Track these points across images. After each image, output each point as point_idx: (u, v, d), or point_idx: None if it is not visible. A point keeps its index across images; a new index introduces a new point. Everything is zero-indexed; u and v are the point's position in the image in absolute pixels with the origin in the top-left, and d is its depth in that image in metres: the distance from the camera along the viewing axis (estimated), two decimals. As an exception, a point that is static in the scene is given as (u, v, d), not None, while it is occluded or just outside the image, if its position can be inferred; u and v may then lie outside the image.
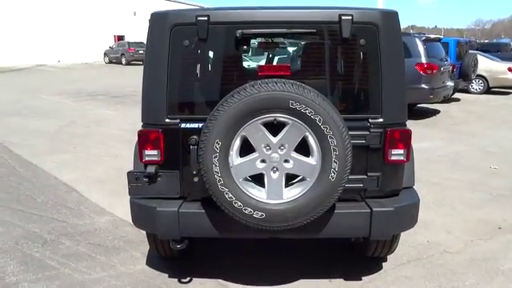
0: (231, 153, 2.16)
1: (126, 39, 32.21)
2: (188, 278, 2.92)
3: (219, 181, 2.17)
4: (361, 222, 2.39)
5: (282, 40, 2.50)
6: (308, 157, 2.18)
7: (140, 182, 2.49)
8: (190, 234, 2.48)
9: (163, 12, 2.40)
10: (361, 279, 2.93)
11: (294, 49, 2.49)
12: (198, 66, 2.48)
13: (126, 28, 34.47)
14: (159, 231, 2.45)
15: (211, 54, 2.49)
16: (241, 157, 2.20)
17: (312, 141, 2.14)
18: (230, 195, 2.18)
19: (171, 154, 2.45)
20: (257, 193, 2.22)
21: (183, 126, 2.41)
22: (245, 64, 2.57)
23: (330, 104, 2.11)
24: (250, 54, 2.49)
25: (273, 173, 2.20)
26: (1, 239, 3.43)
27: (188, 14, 2.36)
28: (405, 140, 2.40)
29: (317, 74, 2.45)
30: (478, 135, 7.51)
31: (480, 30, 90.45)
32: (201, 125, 2.37)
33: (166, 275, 2.96)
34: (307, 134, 2.13)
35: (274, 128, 2.16)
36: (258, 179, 2.24)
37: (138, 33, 34.21)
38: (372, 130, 2.36)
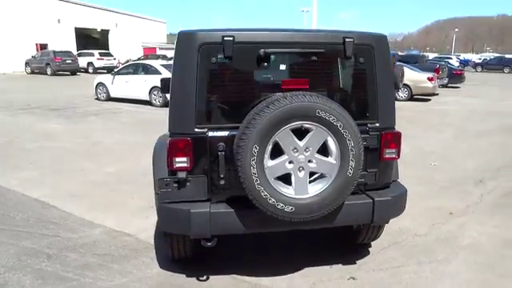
0: (265, 156, 2.48)
1: (50, 48, 30.38)
2: (205, 277, 3.14)
3: (256, 181, 2.47)
4: (365, 211, 2.83)
5: (296, 58, 2.88)
6: (328, 157, 2.58)
7: (170, 188, 2.70)
8: (219, 232, 2.73)
9: (191, 32, 2.66)
10: (355, 263, 3.38)
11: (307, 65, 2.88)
12: (224, 80, 2.76)
13: (50, 36, 32.48)
14: (193, 231, 2.67)
15: (235, 69, 2.78)
16: (272, 159, 2.52)
17: (332, 143, 2.53)
18: (265, 193, 2.49)
19: (199, 160, 2.69)
20: (286, 190, 2.56)
21: (210, 134, 2.67)
22: (264, 78, 2.90)
23: (346, 112, 2.53)
24: (268, 69, 2.81)
25: (299, 172, 2.56)
26: (0, 257, 3.35)
27: (215, 34, 2.64)
28: (396, 141, 2.90)
29: (324, 86, 2.86)
30: (414, 137, 8.50)
31: (393, 43, 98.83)
32: (226, 133, 2.67)
33: (184, 275, 3.15)
34: (328, 137, 2.52)
35: (299, 133, 2.52)
36: (285, 178, 2.58)
37: (63, 41, 32.49)
38: (371, 133, 2.82)
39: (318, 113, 2.45)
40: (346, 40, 2.73)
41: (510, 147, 7.71)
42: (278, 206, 2.52)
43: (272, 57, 2.68)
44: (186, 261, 3.28)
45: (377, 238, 3.54)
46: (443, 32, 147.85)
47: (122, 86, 13.82)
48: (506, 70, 35.83)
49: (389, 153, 2.89)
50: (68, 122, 10.18)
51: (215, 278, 3.14)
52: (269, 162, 2.50)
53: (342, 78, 2.94)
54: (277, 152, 2.53)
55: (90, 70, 29.67)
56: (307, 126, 2.49)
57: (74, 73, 27.82)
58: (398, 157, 2.95)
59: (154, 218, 4.23)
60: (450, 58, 28.20)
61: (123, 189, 5.21)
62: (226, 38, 2.60)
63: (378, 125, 2.86)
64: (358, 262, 3.40)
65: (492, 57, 45.84)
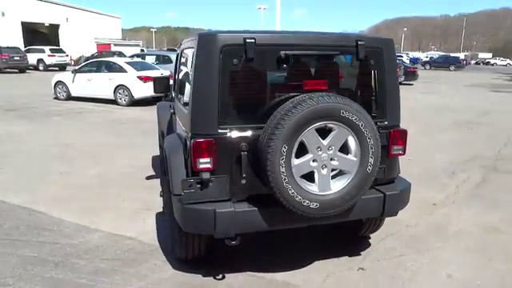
0: (292, 155, 2.56)
1: (-7, 43, 28.49)
2: (221, 276, 3.18)
3: (284, 179, 2.55)
4: (377, 204, 2.99)
5: (314, 59, 2.98)
6: (348, 154, 2.70)
7: (193, 189, 2.71)
8: (242, 231, 2.78)
9: (214, 33, 2.68)
10: (360, 254, 3.56)
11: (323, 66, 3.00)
12: (245, 81, 2.80)
13: (-8, 31, 30.47)
14: (218, 231, 2.70)
15: (256, 71, 2.82)
16: (297, 158, 2.61)
17: (353, 141, 2.66)
18: (293, 191, 2.58)
19: (222, 160, 2.72)
20: (311, 187, 2.66)
21: (233, 134, 2.71)
22: (284, 79, 2.97)
23: (365, 111, 2.67)
24: (287, 71, 2.89)
25: (322, 170, 2.66)
26: (4, 267, 3.19)
27: (237, 36, 2.68)
28: (403, 138, 3.08)
29: (340, 87, 2.99)
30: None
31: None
32: (248, 133, 2.72)
33: (200, 276, 3.17)
34: (350, 136, 2.65)
35: (322, 132, 2.62)
36: (308, 176, 2.68)
37: (8, 36, 30.55)
38: (381, 131, 2.98)
39: (342, 113, 2.56)
40: (359, 43, 2.86)
41: (468, 141, 8.29)
42: (304, 203, 2.62)
43: (291, 58, 2.76)
44: (197, 261, 3.29)
45: (377, 230, 3.73)
46: (391, 31, 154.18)
47: (84, 84, 13.30)
48: (452, 67, 38.43)
49: (396, 149, 3.07)
50: (31, 123, 9.67)
51: (231, 276, 3.18)
52: (295, 161, 2.59)
53: (354, 78, 3.08)
54: (301, 151, 2.62)
55: (41, 68, 28.18)
56: (331, 125, 2.60)
57: (22, 70, 26.24)
58: (404, 153, 3.14)
59: (151, 221, 4.22)
60: (402, 57, 29.59)
61: (111, 192, 5.08)
62: (248, 40, 2.65)
63: (386, 123, 3.03)
64: (362, 253, 3.58)
65: (437, 55, 48.74)
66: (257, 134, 2.71)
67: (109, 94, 12.91)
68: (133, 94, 12.56)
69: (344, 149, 2.70)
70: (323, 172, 2.67)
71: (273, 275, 3.20)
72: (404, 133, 3.09)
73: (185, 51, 3.58)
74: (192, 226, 2.82)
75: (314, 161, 2.64)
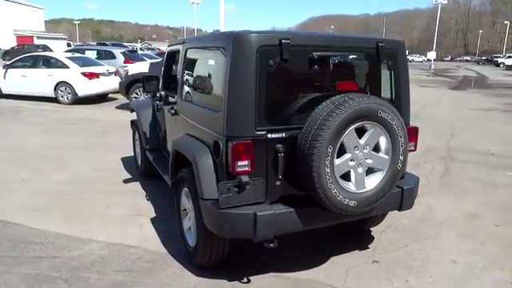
0: (335, 155, 2.59)
1: None
2: (246, 279, 3.13)
3: (329, 180, 2.57)
4: (396, 199, 3.13)
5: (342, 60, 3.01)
6: (379, 152, 2.80)
7: (231, 192, 2.63)
8: (279, 232, 2.75)
9: (250, 34, 2.61)
10: (368, 248, 3.70)
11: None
12: (280, 82, 2.75)
13: None
14: (258, 234, 2.65)
15: (290, 71, 2.79)
16: (337, 158, 2.64)
17: (386, 140, 2.76)
18: (335, 190, 2.61)
19: (259, 162, 2.68)
20: (348, 186, 2.71)
21: (270, 136, 2.68)
22: (316, 80, 2.96)
23: (397, 111, 2.77)
24: (319, 71, 2.89)
25: (358, 168, 2.73)
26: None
27: (272, 37, 2.64)
28: (415, 135, 3.26)
29: (365, 87, 3.06)
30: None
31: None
32: (284, 134, 2.71)
33: (225, 280, 3.09)
34: (383, 135, 2.74)
35: (358, 132, 2.68)
36: (344, 175, 2.73)
37: None
38: None
39: (379, 113, 2.65)
40: (379, 45, 2.97)
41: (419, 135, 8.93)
42: (344, 202, 2.67)
43: (323, 59, 2.78)
44: (215, 266, 3.20)
45: (379, 224, 3.91)
46: (318, 28, 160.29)
47: (19, 81, 12.18)
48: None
49: (410, 146, 3.23)
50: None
51: (256, 278, 3.15)
52: (336, 161, 2.62)
53: (376, 79, 3.18)
54: (339, 151, 2.66)
55: (-48, 62, 25.18)
56: (367, 125, 2.67)
57: None
58: (415, 149, 3.32)
59: (148, 227, 4.03)
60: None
61: (90, 198, 4.74)
62: (283, 41, 2.62)
63: None
64: (370, 246, 3.73)
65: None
66: (292, 134, 2.70)
67: (49, 92, 11.95)
68: (76, 92, 11.75)
69: (375, 147, 2.79)
70: (359, 170, 2.74)
71: (296, 274, 3.22)
72: (416, 130, 3.27)
73: (195, 50, 3.43)
74: (230, 231, 2.73)
75: (351, 160, 2.70)
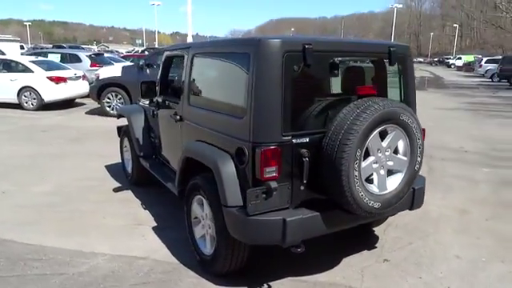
0: (361, 158, 2.64)
1: None
2: (266, 285, 3.11)
3: (356, 182, 2.61)
4: (408, 198, 3.22)
5: (359, 65, 3.07)
6: (398, 155, 2.88)
7: (259, 199, 2.61)
8: (306, 237, 2.76)
9: (276, 39, 2.60)
10: (376, 247, 3.79)
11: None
12: (304, 87, 2.75)
13: None
14: (288, 240, 2.64)
15: (313, 77, 2.80)
16: (362, 161, 2.69)
17: (405, 142, 2.84)
18: (362, 193, 2.66)
19: (285, 168, 2.68)
20: (372, 188, 2.76)
21: (295, 141, 2.69)
22: (336, 84, 2.99)
23: (415, 114, 2.86)
24: (340, 76, 2.93)
25: (380, 170, 2.79)
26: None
27: (297, 42, 2.65)
28: (424, 135, 3.38)
29: (380, 90, 3.13)
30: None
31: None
32: (308, 139, 2.72)
33: (247, 287, 3.06)
34: (403, 137, 2.82)
35: (380, 135, 2.75)
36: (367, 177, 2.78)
37: None
38: None
39: (401, 116, 2.72)
40: (391, 49, 3.06)
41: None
42: (370, 204, 2.72)
43: (343, 64, 2.82)
44: (234, 274, 3.16)
45: (383, 223, 4.02)
46: (277, 31, 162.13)
47: (-24, 86, 11.43)
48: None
49: None
50: None
51: (275, 283, 3.14)
52: (362, 164, 2.67)
53: (389, 82, 3.27)
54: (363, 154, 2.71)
55: None
56: (390, 128, 2.74)
57: None
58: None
59: (151, 236, 3.92)
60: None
61: (81, 209, 4.55)
62: (307, 46, 2.64)
63: None
64: (377, 245, 3.81)
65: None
66: (314, 139, 2.72)
67: (11, 97, 11.33)
68: (42, 97, 11.21)
69: (394, 149, 2.87)
70: (381, 172, 2.80)
71: (314, 277, 3.24)
72: (424, 131, 3.39)
73: (207, 56, 3.36)
74: (258, 238, 2.71)
75: (375, 163, 2.76)
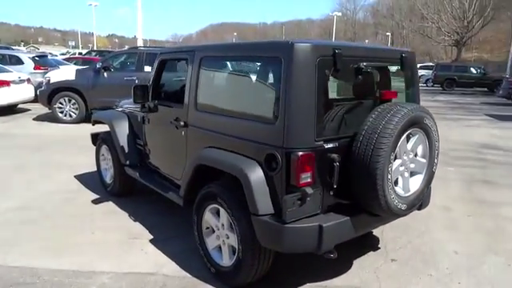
0: (393, 162, 2.68)
1: None
2: (288, 292, 3.06)
3: (389, 185, 2.64)
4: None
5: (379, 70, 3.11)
6: (417, 157, 2.97)
7: (295, 206, 2.56)
8: (337, 242, 2.75)
9: (310, 44, 2.57)
10: (379, 247, 3.88)
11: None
12: (332, 92, 2.75)
13: None
14: (324, 246, 2.61)
15: (341, 81, 2.80)
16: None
17: (424, 145, 2.94)
18: (393, 196, 2.70)
19: (318, 173, 2.65)
20: (399, 190, 2.82)
21: (327, 146, 2.67)
22: (363, 89, 3.00)
23: (434, 118, 2.97)
24: (364, 81, 2.96)
25: (405, 173, 2.86)
26: None
27: (328, 47, 2.64)
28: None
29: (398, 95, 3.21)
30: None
31: (177, 43, 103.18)
32: (338, 143, 2.73)
33: (270, 296, 2.98)
34: (424, 140, 2.91)
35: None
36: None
37: None
38: None
39: (425, 120, 2.81)
40: (403, 55, 3.17)
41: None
42: (398, 206, 2.77)
43: (367, 69, 2.86)
44: (254, 285, 3.07)
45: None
46: (217, 35, 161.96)
47: None
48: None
49: None
50: None
51: (297, 290, 3.09)
52: (393, 167, 2.72)
53: (401, 87, 3.36)
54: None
55: None
56: (414, 131, 2.82)
57: None
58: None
59: (152, 249, 3.70)
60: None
61: (63, 224, 4.19)
62: (337, 51, 2.64)
63: None
64: (380, 246, 3.90)
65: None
66: (343, 143, 2.74)
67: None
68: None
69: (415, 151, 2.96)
70: (405, 175, 2.87)
71: (332, 282, 3.24)
72: None
73: (221, 59, 3.23)
74: (295, 246, 2.65)
75: (401, 165, 2.82)
